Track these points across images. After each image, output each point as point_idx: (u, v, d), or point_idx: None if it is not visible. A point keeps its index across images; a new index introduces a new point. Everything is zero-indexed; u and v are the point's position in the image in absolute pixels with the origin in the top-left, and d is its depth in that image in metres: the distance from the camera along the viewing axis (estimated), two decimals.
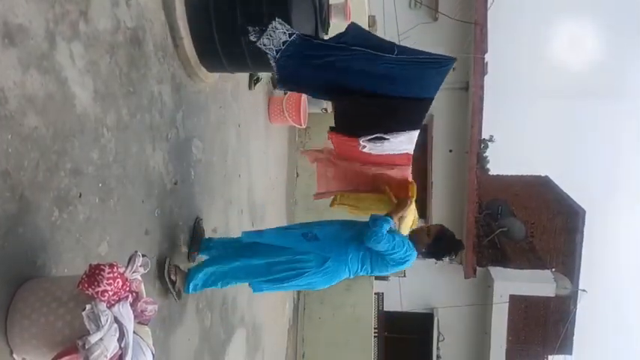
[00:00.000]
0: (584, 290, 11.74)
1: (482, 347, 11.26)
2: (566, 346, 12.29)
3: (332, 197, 4.17)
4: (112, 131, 2.65)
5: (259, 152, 5.57)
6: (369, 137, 3.25)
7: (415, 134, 3.36)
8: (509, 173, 15.31)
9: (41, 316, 1.83)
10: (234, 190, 4.68)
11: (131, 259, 1.90)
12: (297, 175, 7.64)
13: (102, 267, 1.76)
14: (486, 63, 10.31)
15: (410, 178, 3.87)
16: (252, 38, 2.90)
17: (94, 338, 1.64)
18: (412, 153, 3.59)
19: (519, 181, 14.71)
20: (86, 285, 1.71)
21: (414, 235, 3.50)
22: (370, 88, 3.02)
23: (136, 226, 2.90)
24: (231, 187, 4.61)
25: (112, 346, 1.68)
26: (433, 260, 10.58)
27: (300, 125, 6.19)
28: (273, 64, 2.95)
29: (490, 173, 16.90)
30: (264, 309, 5.73)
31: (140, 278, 2.03)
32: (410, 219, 3.79)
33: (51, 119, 2.18)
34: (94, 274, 1.72)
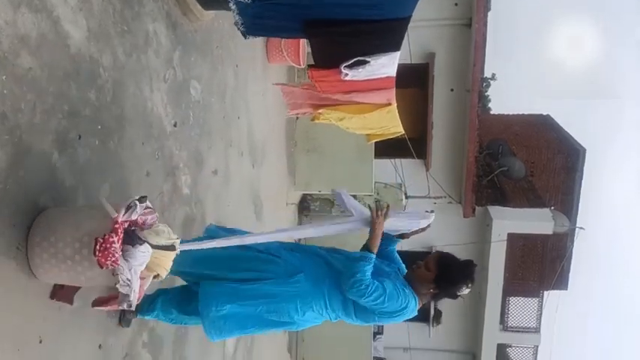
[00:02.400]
0: (581, 228, 11.88)
1: (480, 284, 11.54)
2: (561, 282, 12.61)
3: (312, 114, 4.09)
4: (109, 72, 2.61)
5: (258, 93, 5.50)
6: (349, 63, 3.15)
7: (396, 55, 3.21)
8: (511, 112, 15.20)
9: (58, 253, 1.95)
10: (233, 131, 4.65)
11: (129, 208, 1.95)
12: (297, 118, 7.59)
13: (110, 240, 1.86)
14: None
15: (394, 102, 3.82)
16: None
17: (125, 290, 1.95)
18: (394, 75, 3.47)
19: (520, 120, 14.62)
20: (103, 260, 1.85)
21: (411, 277, 2.67)
22: (343, 16, 2.90)
23: (137, 167, 2.90)
24: (231, 128, 4.59)
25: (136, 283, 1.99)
26: (432, 200, 10.56)
27: (299, 65, 6.08)
28: (236, 16, 2.85)
29: (492, 112, 16.78)
30: None
31: (152, 213, 2.10)
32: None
33: (45, 60, 2.14)
34: (105, 248, 1.84)
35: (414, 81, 10.20)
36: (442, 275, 2.62)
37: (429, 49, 10.20)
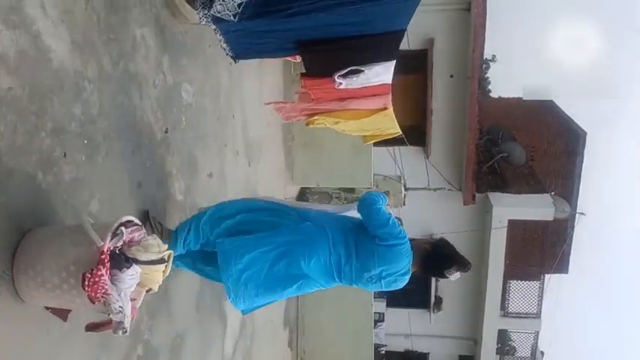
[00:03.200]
0: (582, 213, 11.86)
1: (480, 270, 11.54)
2: (562, 267, 12.61)
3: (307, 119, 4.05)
4: (94, 83, 2.53)
5: (253, 89, 5.40)
6: (344, 72, 3.08)
7: (391, 64, 3.15)
8: (512, 95, 15.03)
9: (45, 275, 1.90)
10: (228, 131, 4.57)
11: (115, 235, 1.89)
12: (298, 120, 7.49)
13: (98, 273, 1.80)
14: None
15: (390, 106, 3.76)
16: (201, 15, 2.71)
17: (118, 317, 1.90)
18: (390, 82, 3.40)
19: (521, 104, 14.47)
20: (93, 294, 1.80)
21: (412, 242, 2.84)
22: (335, 34, 2.82)
23: (127, 179, 2.83)
24: (226, 128, 4.51)
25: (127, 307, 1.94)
26: (432, 190, 10.51)
27: (295, 59, 5.96)
28: (224, 44, 2.80)
29: (492, 95, 16.60)
30: None
31: (139, 229, 2.05)
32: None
33: (26, 78, 2.06)
34: (94, 282, 1.79)
35: (413, 68, 10.06)
36: (435, 251, 2.85)
37: (428, 34, 10.05)
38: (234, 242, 2.72)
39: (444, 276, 2.88)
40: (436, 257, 2.86)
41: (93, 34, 2.53)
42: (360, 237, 2.75)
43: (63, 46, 2.30)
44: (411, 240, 2.82)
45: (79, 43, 2.41)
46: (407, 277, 2.81)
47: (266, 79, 5.85)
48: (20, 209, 2.03)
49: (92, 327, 2.28)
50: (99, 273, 1.78)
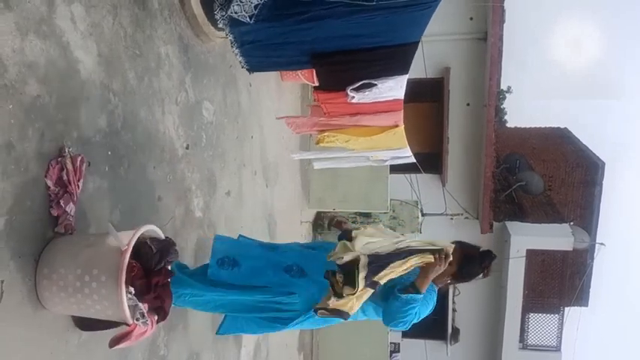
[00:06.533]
0: (602, 244, 11.63)
1: (499, 300, 11.31)
2: (582, 299, 12.32)
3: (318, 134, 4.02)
4: (119, 96, 2.57)
5: (271, 111, 5.45)
6: (356, 86, 3.09)
7: (404, 79, 3.13)
8: (528, 125, 15.01)
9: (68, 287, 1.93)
10: (246, 151, 4.60)
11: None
12: (311, 135, 7.53)
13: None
14: (504, 11, 9.91)
15: (401, 123, 3.73)
16: (219, 16, 2.76)
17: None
18: (402, 98, 3.38)
19: (538, 133, 14.42)
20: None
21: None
22: (349, 46, 2.85)
23: (148, 192, 2.85)
24: (244, 148, 4.54)
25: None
26: (449, 217, 10.40)
27: (313, 82, 6.03)
28: (240, 57, 2.85)
29: (508, 125, 16.59)
30: None
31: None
32: None
33: (54, 87, 2.10)
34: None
35: (429, 96, 10.12)
36: (463, 269, 2.58)
37: (445, 63, 10.12)
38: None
39: (484, 275, 2.69)
40: (462, 278, 2.69)
41: (119, 48, 2.59)
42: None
43: (90, 59, 2.35)
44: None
45: (105, 56, 2.46)
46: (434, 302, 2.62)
47: (284, 101, 5.92)
48: (44, 217, 2.05)
49: (115, 341, 2.26)
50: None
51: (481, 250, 2.68)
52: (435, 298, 2.59)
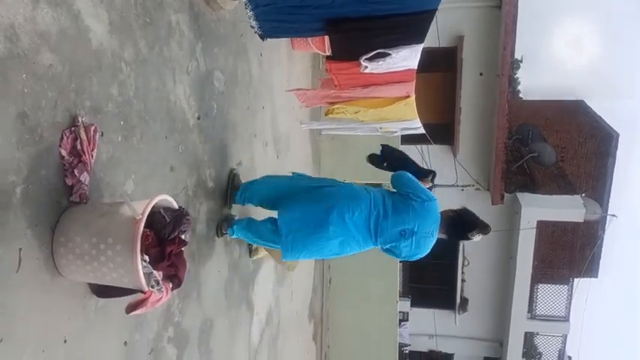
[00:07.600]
0: (613, 215, 11.58)
1: (508, 271, 11.36)
2: (592, 270, 12.33)
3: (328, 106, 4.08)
4: (131, 65, 2.56)
5: (282, 81, 5.41)
6: (370, 55, 3.07)
7: (419, 48, 3.12)
8: (542, 97, 14.78)
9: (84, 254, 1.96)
10: (257, 122, 4.59)
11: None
12: (321, 107, 7.48)
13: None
14: None
15: (412, 94, 3.73)
16: None
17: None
18: (415, 68, 3.37)
19: (552, 104, 14.22)
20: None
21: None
22: (364, 13, 2.80)
23: (161, 162, 2.86)
24: (255, 119, 4.52)
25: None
26: (460, 188, 10.41)
27: (324, 52, 5.96)
28: (253, 21, 2.82)
29: (521, 96, 16.36)
30: None
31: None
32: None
33: (66, 56, 2.09)
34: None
35: (442, 65, 9.97)
36: (459, 217, 3.24)
37: (458, 32, 9.94)
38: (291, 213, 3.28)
39: (467, 238, 3.24)
40: (460, 222, 3.23)
41: (130, 16, 2.56)
42: (396, 198, 3.20)
43: (101, 27, 2.34)
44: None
45: (116, 24, 2.44)
46: (434, 240, 3.17)
47: (295, 71, 5.86)
48: (59, 186, 2.07)
49: (132, 307, 2.31)
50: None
51: (480, 220, 3.24)
52: (434, 240, 3.18)
